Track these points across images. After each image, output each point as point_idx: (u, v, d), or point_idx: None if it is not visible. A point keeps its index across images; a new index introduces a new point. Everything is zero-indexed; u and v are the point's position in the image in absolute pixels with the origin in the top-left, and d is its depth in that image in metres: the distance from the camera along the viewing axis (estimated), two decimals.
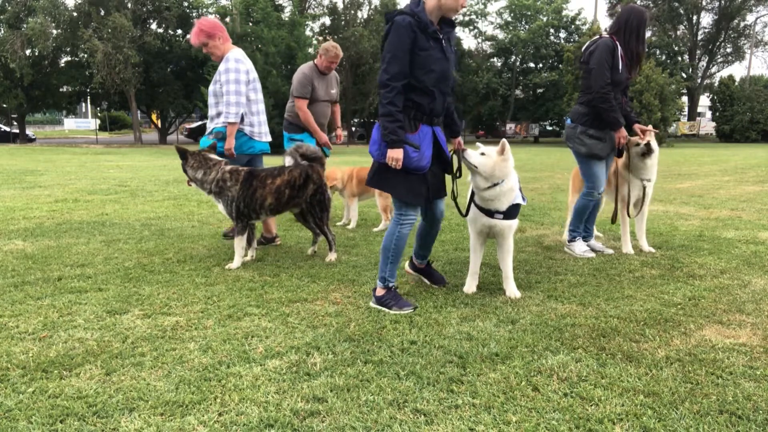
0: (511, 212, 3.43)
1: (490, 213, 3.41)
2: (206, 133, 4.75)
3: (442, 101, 3.23)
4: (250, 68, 4.64)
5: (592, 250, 4.63)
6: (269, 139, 4.85)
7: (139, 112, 36.43)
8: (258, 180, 4.23)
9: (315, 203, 4.40)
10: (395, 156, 3.04)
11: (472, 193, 3.54)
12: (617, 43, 4.18)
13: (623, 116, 4.33)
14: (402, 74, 3.01)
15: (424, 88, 3.11)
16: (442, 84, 3.17)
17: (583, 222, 4.62)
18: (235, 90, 4.45)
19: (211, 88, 4.66)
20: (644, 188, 4.59)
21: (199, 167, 4.25)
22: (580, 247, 4.57)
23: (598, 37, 4.31)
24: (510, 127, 43.47)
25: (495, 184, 3.32)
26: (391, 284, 3.29)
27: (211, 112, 4.71)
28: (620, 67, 4.18)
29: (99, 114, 49.23)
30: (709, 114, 47.17)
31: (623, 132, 4.32)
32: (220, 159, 4.34)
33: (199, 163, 4.25)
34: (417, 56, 3.04)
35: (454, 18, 3.23)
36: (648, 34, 40.81)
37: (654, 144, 4.49)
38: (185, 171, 4.31)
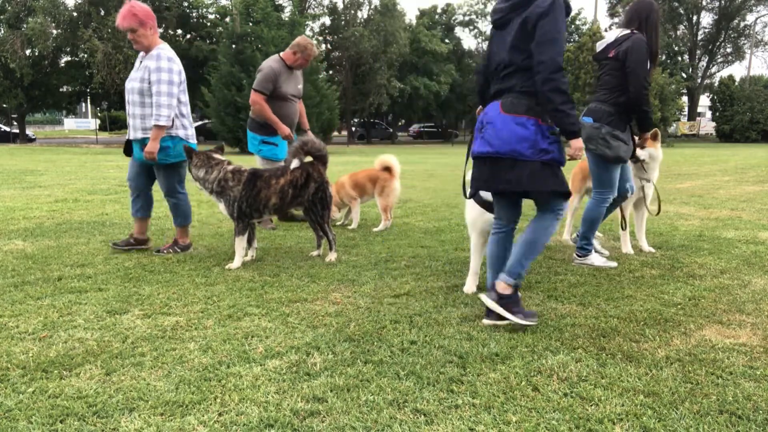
0: None
1: (492, 209, 3.40)
2: (132, 138, 4.40)
3: None
4: (182, 68, 4.40)
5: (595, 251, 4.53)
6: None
7: None
8: (262, 181, 4.24)
9: (316, 201, 4.40)
10: (581, 145, 2.87)
11: (472, 194, 3.53)
12: None
13: None
14: None
15: None
16: None
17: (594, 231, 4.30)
18: (168, 92, 4.19)
19: (136, 85, 4.27)
20: (642, 187, 4.58)
21: (202, 166, 4.26)
22: (599, 260, 4.25)
23: (629, 32, 4.00)
24: None
25: None
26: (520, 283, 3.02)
27: (134, 111, 4.33)
28: (649, 66, 4.00)
29: (99, 114, 49.23)
30: (709, 114, 47.17)
31: (647, 135, 4.25)
32: (223, 159, 4.34)
33: (202, 162, 4.27)
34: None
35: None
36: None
37: (653, 152, 4.46)
38: (189, 170, 4.32)
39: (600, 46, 4.20)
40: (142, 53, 4.38)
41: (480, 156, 2.92)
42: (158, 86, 4.19)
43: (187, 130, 4.46)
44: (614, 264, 4.24)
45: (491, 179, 2.92)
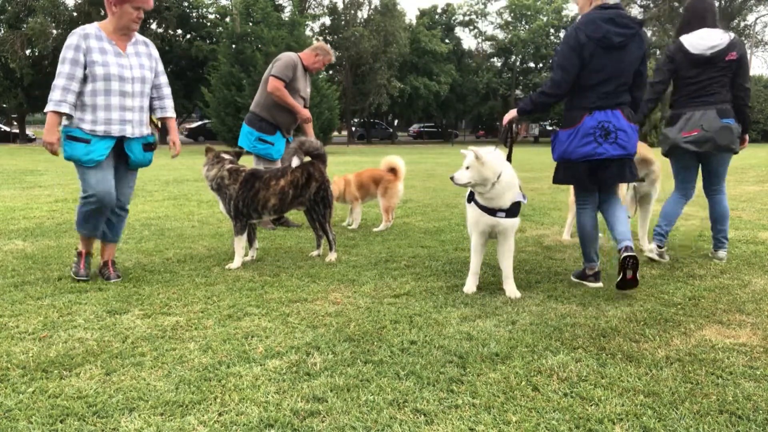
0: (513, 210, 3.45)
1: (492, 212, 3.42)
2: (138, 136, 3.75)
3: None
4: None
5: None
6: None
7: None
8: (261, 181, 4.24)
9: (318, 200, 4.40)
10: None
11: (471, 196, 3.55)
12: None
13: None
14: None
15: None
16: None
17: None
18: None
19: (148, 74, 3.76)
20: (634, 187, 4.63)
21: (207, 163, 4.35)
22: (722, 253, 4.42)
23: (732, 34, 4.09)
24: None
25: (493, 183, 3.35)
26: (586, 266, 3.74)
27: (143, 102, 3.76)
28: None
29: None
30: None
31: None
32: (227, 158, 4.36)
33: (209, 160, 4.35)
34: None
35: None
36: (648, 33, 40.85)
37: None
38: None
39: (702, 49, 4.05)
40: (105, 36, 3.65)
41: (612, 158, 3.47)
42: (165, 77, 3.96)
43: None
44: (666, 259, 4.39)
45: (621, 175, 3.55)
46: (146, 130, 3.84)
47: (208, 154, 4.38)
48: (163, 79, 3.95)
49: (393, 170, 5.70)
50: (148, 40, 3.90)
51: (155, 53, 3.90)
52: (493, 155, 3.38)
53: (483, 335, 2.81)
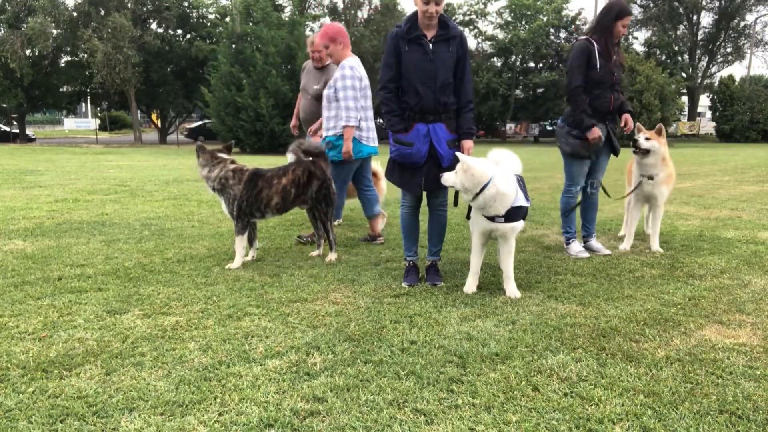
0: (513, 215, 3.41)
1: (491, 217, 3.42)
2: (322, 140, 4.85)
3: (432, 99, 3.54)
4: (364, 75, 4.76)
5: (590, 249, 4.64)
6: (377, 144, 4.99)
7: (139, 111, 36.42)
8: (264, 180, 4.25)
9: (320, 198, 4.41)
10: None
11: None
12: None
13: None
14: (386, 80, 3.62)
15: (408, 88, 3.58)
16: (428, 83, 3.53)
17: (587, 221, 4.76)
18: (353, 96, 4.60)
19: (325, 92, 4.80)
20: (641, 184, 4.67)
21: (206, 164, 4.30)
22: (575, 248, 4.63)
23: None
24: (510, 127, 43.43)
25: (478, 193, 3.32)
26: (406, 259, 3.95)
27: (326, 113, 4.83)
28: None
29: (99, 114, 49.26)
30: (709, 114, 47.13)
31: None
32: (227, 157, 4.36)
33: (207, 161, 4.31)
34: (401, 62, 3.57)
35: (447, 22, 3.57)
36: (648, 33, 40.77)
37: (645, 143, 4.63)
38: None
39: None
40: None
41: None
42: (344, 92, 4.60)
43: (362, 132, 4.81)
44: (587, 255, 4.55)
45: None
46: (326, 132, 4.84)
47: (204, 154, 4.33)
48: (340, 94, 4.64)
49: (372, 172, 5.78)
50: (341, 64, 4.71)
51: (336, 74, 4.71)
52: (481, 166, 3.29)
53: (483, 335, 2.81)
